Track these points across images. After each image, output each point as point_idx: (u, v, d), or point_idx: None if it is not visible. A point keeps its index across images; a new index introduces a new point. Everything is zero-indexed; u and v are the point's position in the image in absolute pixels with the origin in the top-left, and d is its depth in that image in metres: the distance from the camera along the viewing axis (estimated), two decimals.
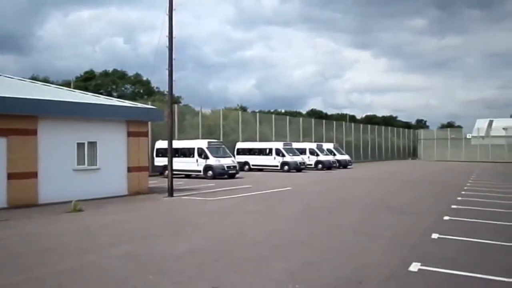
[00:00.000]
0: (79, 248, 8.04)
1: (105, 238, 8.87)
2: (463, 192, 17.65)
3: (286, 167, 32.12)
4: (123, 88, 57.14)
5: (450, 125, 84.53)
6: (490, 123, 63.91)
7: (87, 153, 15.55)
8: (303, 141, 41.34)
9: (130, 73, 58.08)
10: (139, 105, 19.41)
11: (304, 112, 76.56)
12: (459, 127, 74.75)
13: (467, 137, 64.05)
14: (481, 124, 65.03)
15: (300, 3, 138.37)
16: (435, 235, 8.92)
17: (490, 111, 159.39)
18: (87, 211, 12.37)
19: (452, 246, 8.18)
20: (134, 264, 6.92)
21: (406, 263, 6.77)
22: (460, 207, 13.30)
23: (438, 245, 8.23)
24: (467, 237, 8.73)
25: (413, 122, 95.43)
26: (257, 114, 44.06)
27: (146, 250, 7.83)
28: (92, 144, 15.75)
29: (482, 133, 62.48)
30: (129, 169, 16.85)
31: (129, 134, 17.00)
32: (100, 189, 15.38)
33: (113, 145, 16.50)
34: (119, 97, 39.04)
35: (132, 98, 39.35)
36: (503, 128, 56.82)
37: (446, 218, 11.20)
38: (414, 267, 6.55)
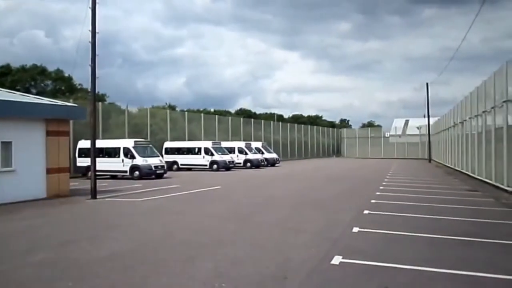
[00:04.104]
0: None
1: (20, 246, 8.30)
2: (381, 187, 18.78)
3: (215, 166, 32.13)
4: (42, 85, 53.64)
5: (370, 124, 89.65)
6: (406, 122, 68.71)
7: (0, 154, 14.43)
8: (232, 140, 41.56)
9: (51, 68, 54.70)
10: (60, 102, 18.37)
11: (233, 112, 77.08)
12: (379, 126, 79.57)
13: (386, 135, 68.30)
14: (398, 123, 69.76)
15: (232, 3, 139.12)
16: (355, 229, 9.39)
17: (406, 111, 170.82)
18: None
19: (371, 238, 8.68)
20: (51, 271, 6.55)
21: (329, 256, 7.07)
22: (378, 201, 14.12)
23: (358, 238, 8.68)
24: (384, 230, 9.30)
25: (337, 121, 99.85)
26: (186, 113, 43.62)
27: (66, 256, 7.45)
28: (7, 144, 14.67)
29: (399, 132, 67.01)
30: (48, 171, 15.92)
31: (48, 133, 16.05)
32: (15, 193, 14.39)
33: (30, 145, 15.49)
34: (38, 94, 36.60)
35: (53, 95, 37.08)
36: (417, 127, 61.13)
37: (366, 212, 11.84)
38: (336, 260, 6.87)
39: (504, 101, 16.30)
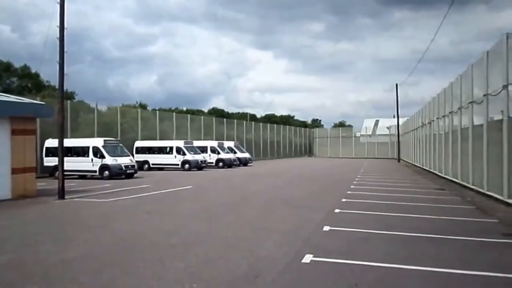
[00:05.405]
0: None
1: None
2: (352, 186, 19.04)
3: (187, 166, 31.86)
4: (8, 82, 51.91)
5: (341, 124, 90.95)
6: (376, 122, 70.03)
7: None
8: (204, 140, 41.34)
9: (17, 65, 52.95)
10: (26, 100, 17.82)
11: (206, 111, 76.75)
12: (350, 126, 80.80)
13: (357, 135, 69.42)
14: (369, 123, 71.05)
15: (205, 1, 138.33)
16: (326, 227, 9.47)
17: (377, 111, 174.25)
18: None
19: (342, 237, 8.77)
20: (17, 273, 6.33)
21: (300, 255, 7.10)
22: (349, 200, 14.31)
23: (329, 237, 8.76)
24: (355, 228, 9.42)
25: (309, 121, 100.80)
26: (157, 112, 43.10)
27: (31, 258, 7.22)
28: None
29: (370, 132, 68.18)
30: (13, 170, 15.42)
31: (13, 132, 15.54)
32: None
33: None
34: (4, 91, 35.25)
35: (19, 93, 35.96)
36: (387, 127, 62.40)
37: (337, 211, 11.97)
38: (307, 259, 6.90)
39: (470, 102, 16.80)
